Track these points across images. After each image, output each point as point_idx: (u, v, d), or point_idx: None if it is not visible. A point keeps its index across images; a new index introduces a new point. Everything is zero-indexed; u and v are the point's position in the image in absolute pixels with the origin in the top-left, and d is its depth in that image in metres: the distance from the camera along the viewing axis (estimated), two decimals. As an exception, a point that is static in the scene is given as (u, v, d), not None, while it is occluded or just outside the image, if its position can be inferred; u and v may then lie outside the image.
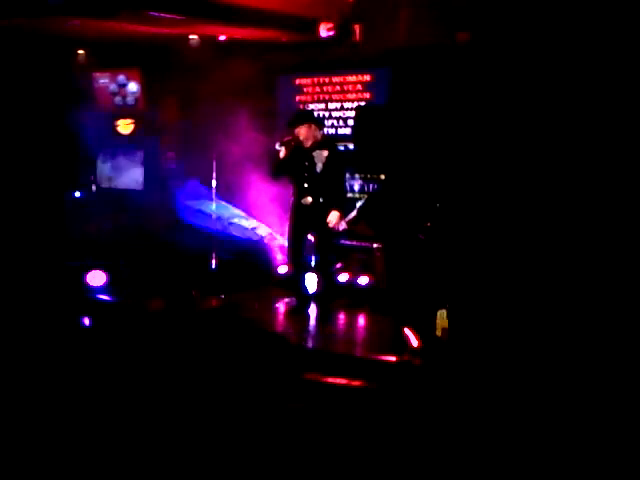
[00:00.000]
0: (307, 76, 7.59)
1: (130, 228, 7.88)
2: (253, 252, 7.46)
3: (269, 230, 7.43)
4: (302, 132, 5.86)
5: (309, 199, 5.87)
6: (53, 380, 3.87)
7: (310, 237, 6.07)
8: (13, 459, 3.07)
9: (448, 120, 6.15)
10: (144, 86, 8.69)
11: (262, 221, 7.55)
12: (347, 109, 7.30)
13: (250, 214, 7.67)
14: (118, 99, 8.88)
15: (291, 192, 6.09)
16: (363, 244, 6.81)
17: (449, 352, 4.87)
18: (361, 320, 6.25)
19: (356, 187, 7.16)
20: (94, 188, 9.23)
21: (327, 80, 7.46)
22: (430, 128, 6.23)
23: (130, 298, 6.44)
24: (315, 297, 6.17)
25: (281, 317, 6.30)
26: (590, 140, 5.29)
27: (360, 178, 7.17)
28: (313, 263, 6.28)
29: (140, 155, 9.11)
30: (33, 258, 6.80)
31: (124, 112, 8.95)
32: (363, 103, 7.17)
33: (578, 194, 5.30)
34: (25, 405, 3.55)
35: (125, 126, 9.06)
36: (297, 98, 7.67)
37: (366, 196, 7.11)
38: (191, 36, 7.59)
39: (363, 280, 6.63)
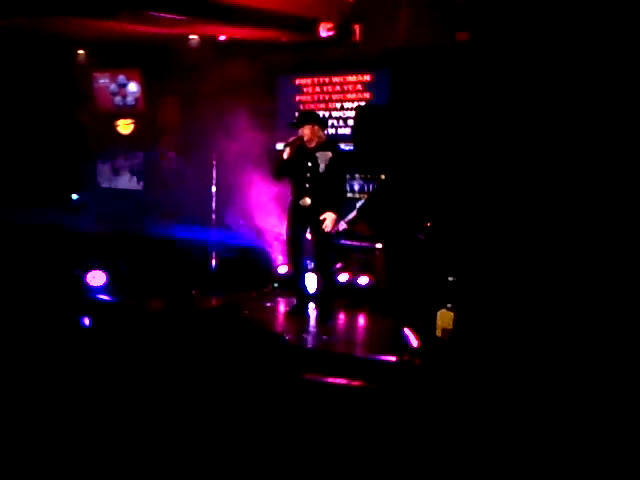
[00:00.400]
0: (307, 76, 7.59)
1: (130, 228, 7.87)
2: (253, 252, 7.46)
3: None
4: (306, 132, 5.85)
5: (308, 200, 5.86)
6: (53, 380, 3.87)
7: (308, 236, 6.06)
8: (13, 459, 3.07)
9: (448, 120, 6.15)
10: (144, 86, 8.69)
11: (262, 221, 7.55)
12: (347, 109, 7.30)
13: (250, 214, 7.66)
14: (118, 99, 8.88)
15: (289, 192, 6.08)
16: (363, 244, 6.81)
17: (450, 352, 4.87)
18: (361, 320, 6.25)
19: (356, 187, 7.16)
20: (94, 188, 9.24)
21: (327, 80, 7.46)
22: (430, 128, 6.24)
23: (130, 298, 6.44)
24: (315, 297, 6.17)
25: (281, 317, 6.30)
26: (590, 140, 5.29)
27: (360, 178, 7.17)
28: (312, 263, 6.27)
29: (140, 155, 9.11)
30: (33, 258, 6.79)
31: (124, 112, 8.95)
32: (363, 103, 7.16)
33: (578, 192, 5.30)
34: (25, 405, 3.55)
35: (125, 126, 9.07)
36: (297, 98, 7.67)
37: (366, 196, 7.11)
38: (191, 36, 7.59)
39: (363, 280, 6.62)
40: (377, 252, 6.68)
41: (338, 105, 7.39)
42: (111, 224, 7.98)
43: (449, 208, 6.11)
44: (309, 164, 5.83)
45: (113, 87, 8.85)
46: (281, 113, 7.77)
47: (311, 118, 6.06)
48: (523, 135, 5.63)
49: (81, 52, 8.47)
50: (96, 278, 6.66)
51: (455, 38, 6.22)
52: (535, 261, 5.36)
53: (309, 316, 6.05)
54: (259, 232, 7.44)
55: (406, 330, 5.03)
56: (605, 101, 5.22)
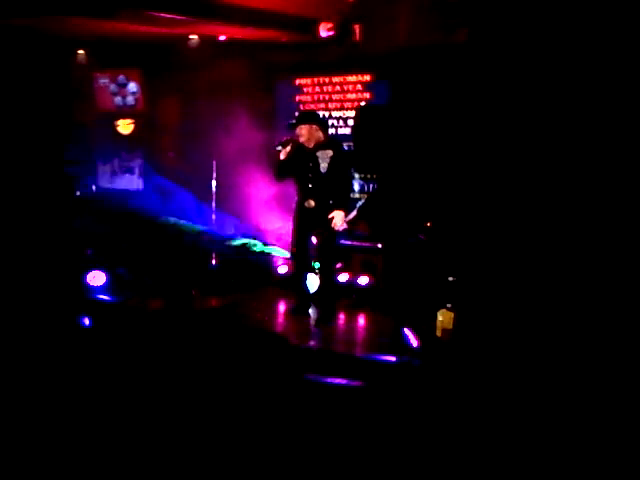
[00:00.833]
0: (307, 76, 7.59)
1: (130, 228, 7.88)
2: (253, 252, 7.46)
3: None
4: (303, 133, 5.83)
5: (312, 202, 5.84)
6: (53, 380, 3.87)
7: (313, 238, 6.04)
8: (13, 459, 3.07)
9: (448, 120, 6.15)
10: (144, 86, 8.69)
11: (262, 221, 7.55)
12: (347, 109, 7.30)
13: (250, 214, 7.66)
14: (118, 99, 8.88)
15: (295, 193, 6.07)
16: (363, 244, 6.81)
17: (450, 352, 4.87)
18: (361, 320, 6.25)
19: (356, 187, 7.16)
20: (94, 188, 9.24)
21: (327, 80, 7.46)
22: (430, 128, 6.24)
23: (130, 298, 6.44)
24: (316, 297, 6.16)
25: (281, 317, 6.31)
26: (591, 140, 5.29)
27: (360, 178, 7.17)
28: (316, 264, 6.25)
29: (140, 155, 9.11)
30: (33, 258, 6.79)
31: (124, 112, 8.96)
32: (363, 103, 7.17)
33: (578, 192, 5.30)
34: (25, 405, 3.55)
35: (125, 126, 9.07)
36: (297, 98, 7.68)
37: (366, 196, 7.11)
38: (191, 36, 7.59)
39: (363, 280, 6.62)
40: (377, 252, 6.68)
41: (338, 105, 7.40)
42: (111, 224, 7.99)
43: (449, 208, 6.10)
44: (310, 165, 5.81)
45: (113, 87, 8.86)
46: (281, 113, 7.77)
47: (307, 118, 6.04)
48: (523, 135, 5.62)
49: (81, 52, 8.47)
50: (96, 278, 6.67)
51: (455, 38, 6.22)
52: (535, 261, 5.36)
53: (310, 316, 6.05)
54: (259, 232, 7.45)
55: (406, 330, 5.03)
56: (605, 101, 5.22)
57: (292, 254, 6.16)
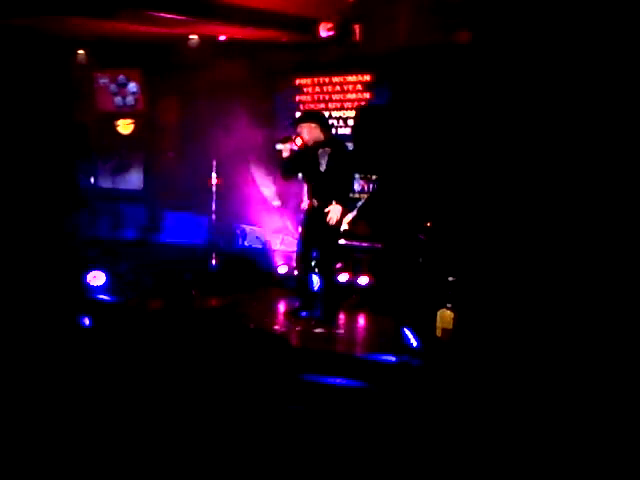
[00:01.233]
0: (307, 76, 7.59)
1: (130, 228, 7.88)
2: (253, 252, 7.47)
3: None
4: (304, 131, 5.84)
5: (315, 201, 5.84)
6: (53, 380, 3.87)
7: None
8: (13, 459, 3.07)
9: (448, 120, 6.15)
10: (144, 86, 8.69)
11: (262, 221, 7.55)
12: (347, 109, 7.30)
13: (250, 214, 7.67)
14: (118, 99, 8.88)
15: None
16: (363, 244, 6.80)
17: (450, 352, 4.87)
18: (361, 320, 6.25)
19: (356, 187, 7.16)
20: (94, 188, 9.23)
21: (327, 80, 7.46)
22: (430, 128, 6.23)
23: (130, 298, 6.44)
24: (318, 298, 6.14)
25: (281, 317, 6.30)
26: (591, 140, 5.29)
27: (360, 178, 7.17)
28: (315, 263, 6.24)
29: (140, 155, 9.11)
30: (33, 258, 6.80)
31: (124, 112, 8.96)
32: (363, 103, 7.17)
33: (578, 192, 5.30)
34: (25, 404, 3.55)
35: (125, 126, 9.07)
36: (297, 98, 7.67)
37: (366, 196, 7.11)
38: (191, 36, 7.59)
39: (363, 280, 6.62)
40: (377, 252, 6.68)
41: (338, 105, 7.39)
42: (111, 224, 7.99)
43: (449, 208, 6.10)
44: (310, 164, 5.82)
45: (113, 87, 8.86)
46: (281, 113, 7.77)
47: (307, 117, 6.04)
48: (523, 134, 5.62)
49: (81, 52, 8.47)
50: (96, 278, 6.67)
51: (455, 38, 6.22)
52: (535, 261, 5.36)
53: (310, 316, 6.03)
54: (259, 232, 7.45)
55: (406, 330, 5.03)
56: (605, 100, 5.22)
57: (297, 253, 6.13)
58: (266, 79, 7.77)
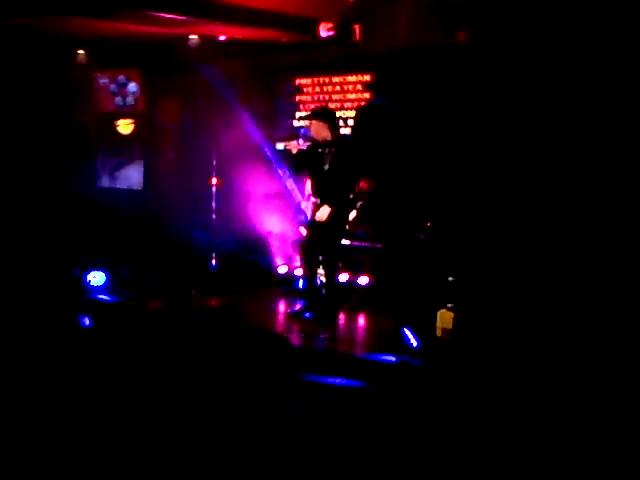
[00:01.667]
0: (307, 76, 7.58)
1: (130, 228, 7.88)
2: (253, 252, 7.46)
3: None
4: (311, 128, 5.83)
5: (317, 200, 5.84)
6: (53, 380, 3.87)
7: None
8: (13, 459, 3.07)
9: (448, 120, 6.15)
10: (144, 86, 8.69)
11: (262, 221, 7.55)
12: (347, 109, 7.30)
13: (250, 214, 7.66)
14: (118, 99, 8.88)
15: None
16: (363, 244, 6.80)
17: (450, 352, 4.87)
18: (361, 320, 6.25)
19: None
20: (94, 188, 9.24)
21: (327, 80, 7.46)
22: (430, 128, 6.23)
23: (130, 298, 6.44)
24: (319, 298, 6.13)
25: (281, 317, 6.30)
26: (591, 140, 5.29)
27: (360, 178, 7.15)
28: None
29: (140, 155, 9.11)
30: (33, 258, 6.80)
31: (124, 112, 8.96)
32: (363, 103, 7.16)
33: (578, 192, 5.30)
34: (25, 404, 3.55)
35: (125, 126, 9.07)
36: (297, 98, 7.67)
37: (366, 196, 7.10)
38: (191, 36, 7.59)
39: (363, 280, 6.62)
40: (377, 252, 6.67)
41: (338, 105, 7.39)
42: (111, 224, 7.99)
43: (449, 208, 6.10)
44: (316, 162, 5.81)
45: (113, 87, 8.85)
46: (281, 113, 7.77)
47: (314, 114, 6.03)
48: (523, 134, 5.62)
49: (81, 52, 8.47)
50: (96, 278, 6.67)
51: (455, 38, 6.22)
52: (535, 261, 5.36)
53: (311, 317, 6.03)
54: (259, 232, 7.45)
55: (406, 330, 5.03)
56: (606, 100, 5.22)
57: (301, 254, 6.11)
58: (266, 79, 7.77)
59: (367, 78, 7.18)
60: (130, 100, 8.83)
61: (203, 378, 3.75)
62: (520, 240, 5.48)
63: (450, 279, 5.38)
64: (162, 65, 8.09)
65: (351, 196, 6.15)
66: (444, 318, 5.09)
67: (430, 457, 3.29)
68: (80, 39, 7.90)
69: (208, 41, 7.57)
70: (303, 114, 7.53)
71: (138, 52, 8.13)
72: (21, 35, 7.50)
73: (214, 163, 7.72)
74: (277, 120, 7.79)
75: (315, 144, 5.86)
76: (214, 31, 7.31)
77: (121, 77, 8.79)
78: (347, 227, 6.17)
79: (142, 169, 9.09)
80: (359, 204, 6.40)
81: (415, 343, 4.91)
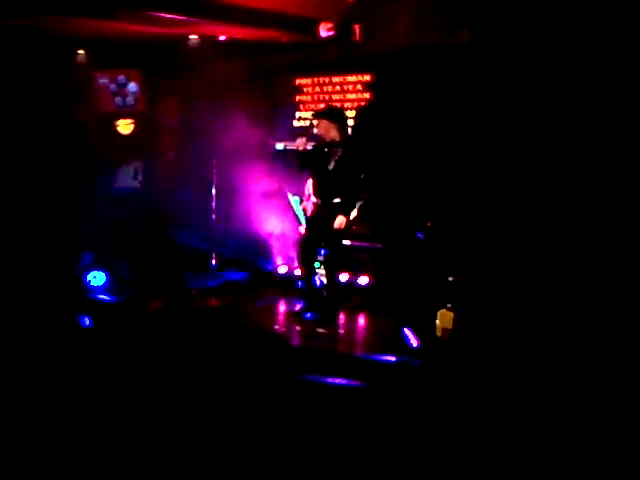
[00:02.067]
0: (307, 76, 7.58)
1: (130, 228, 7.88)
2: (253, 252, 7.46)
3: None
4: (319, 126, 5.81)
5: (318, 199, 5.82)
6: (53, 380, 3.87)
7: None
8: (13, 459, 3.07)
9: (448, 120, 6.15)
10: (144, 86, 8.69)
11: (262, 221, 7.54)
12: (347, 109, 7.29)
13: (250, 214, 7.66)
14: (118, 99, 8.88)
15: None
16: (363, 244, 6.80)
17: (450, 352, 4.87)
18: (361, 320, 6.25)
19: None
20: (94, 188, 9.23)
21: (327, 80, 7.46)
22: (430, 128, 6.23)
23: (130, 298, 6.44)
24: (320, 298, 6.13)
25: (281, 317, 6.30)
26: (591, 140, 5.29)
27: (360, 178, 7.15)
28: (320, 263, 6.22)
29: (140, 155, 9.11)
30: (33, 258, 6.80)
31: (124, 112, 8.96)
32: (363, 103, 7.16)
33: (578, 191, 5.30)
34: (25, 404, 3.55)
35: (125, 126, 9.06)
36: (297, 98, 7.67)
37: (366, 196, 7.10)
38: (191, 36, 7.59)
39: (363, 280, 6.62)
40: (377, 252, 6.67)
41: (338, 105, 7.38)
42: (111, 224, 7.98)
43: (449, 208, 6.10)
44: (320, 161, 5.78)
45: (113, 87, 8.85)
46: (281, 113, 7.77)
47: (322, 113, 5.99)
48: (523, 134, 5.62)
49: (81, 52, 8.47)
50: (96, 278, 6.67)
51: (455, 38, 6.22)
52: (535, 261, 5.36)
53: (311, 317, 6.03)
54: (259, 232, 7.45)
55: (406, 330, 5.03)
56: (605, 100, 5.22)
57: (300, 254, 6.08)
58: (266, 79, 7.77)
59: (367, 78, 7.18)
60: (130, 100, 8.83)
61: (203, 378, 3.75)
62: (519, 240, 5.48)
63: (450, 279, 5.38)
64: (162, 65, 8.08)
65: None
66: (444, 318, 5.09)
67: (430, 457, 3.29)
68: (80, 39, 7.90)
69: (208, 41, 7.57)
70: (303, 114, 7.54)
71: (138, 52, 8.13)
72: (21, 35, 7.50)
73: (214, 163, 7.71)
74: (277, 120, 7.78)
75: (319, 143, 5.82)
76: (214, 31, 7.31)
77: (121, 77, 8.79)
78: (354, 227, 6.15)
79: (142, 169, 9.09)
80: (359, 204, 6.40)
81: (415, 343, 4.91)
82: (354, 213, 5.97)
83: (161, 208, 8.21)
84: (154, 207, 8.31)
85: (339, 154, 5.74)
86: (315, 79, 7.54)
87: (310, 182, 6.10)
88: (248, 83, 7.53)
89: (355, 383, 4.26)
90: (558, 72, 5.46)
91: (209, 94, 7.72)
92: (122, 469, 3.05)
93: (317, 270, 6.20)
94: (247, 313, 6.12)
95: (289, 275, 7.02)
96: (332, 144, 5.76)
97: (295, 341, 5.40)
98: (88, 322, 5.63)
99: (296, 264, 6.56)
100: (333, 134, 5.78)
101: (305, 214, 6.20)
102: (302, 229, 6.43)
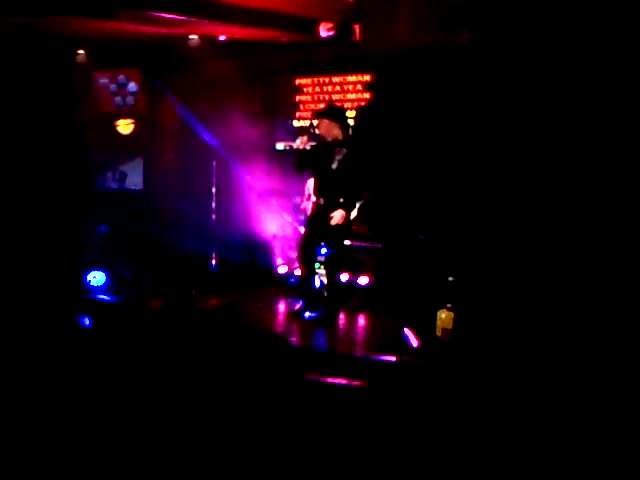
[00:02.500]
0: (307, 76, 7.58)
1: (130, 228, 7.88)
2: (253, 252, 7.46)
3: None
4: (321, 125, 5.78)
5: (321, 199, 5.80)
6: (53, 380, 3.87)
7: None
8: (13, 459, 3.07)
9: (448, 120, 6.15)
10: (144, 86, 8.69)
11: (262, 221, 7.54)
12: (347, 109, 7.29)
13: (250, 214, 7.66)
14: (118, 99, 8.88)
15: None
16: (363, 244, 6.80)
17: (450, 352, 4.87)
18: (361, 320, 6.25)
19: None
20: (94, 188, 9.24)
21: (327, 80, 7.46)
22: (430, 128, 6.24)
23: (130, 298, 6.44)
24: (320, 298, 6.12)
25: (281, 317, 6.30)
26: (591, 141, 5.29)
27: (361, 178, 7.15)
28: (320, 263, 6.21)
29: (140, 155, 9.11)
30: (33, 258, 6.80)
31: (124, 112, 8.96)
32: (363, 103, 7.16)
33: (577, 191, 5.30)
34: (25, 404, 3.55)
35: (125, 126, 9.07)
36: (297, 98, 7.67)
37: (366, 196, 7.10)
38: (191, 36, 7.60)
39: (363, 280, 6.62)
40: (377, 252, 6.67)
41: (338, 105, 7.38)
42: (111, 224, 7.99)
43: (449, 208, 6.10)
44: (323, 160, 5.75)
45: (113, 87, 8.86)
46: (281, 113, 7.77)
47: (324, 113, 5.94)
48: (523, 134, 5.63)
49: (81, 52, 8.47)
50: (96, 278, 6.67)
51: (455, 38, 6.22)
52: (535, 261, 5.36)
53: (311, 317, 6.02)
54: (259, 232, 7.45)
55: (406, 330, 5.03)
56: (605, 100, 5.22)
57: (300, 253, 6.06)
58: (266, 79, 7.77)
59: (367, 78, 7.18)
60: (130, 100, 8.84)
61: (203, 378, 3.75)
62: (519, 240, 5.49)
63: (450, 279, 5.38)
64: (162, 65, 8.08)
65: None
66: (444, 318, 5.09)
67: (430, 456, 3.29)
68: (80, 39, 7.91)
69: (208, 41, 7.57)
70: (303, 114, 7.54)
71: (138, 52, 8.13)
72: (21, 35, 7.50)
73: (214, 163, 7.71)
74: (277, 120, 7.78)
75: (321, 143, 5.80)
76: (214, 31, 7.31)
77: (121, 77, 8.80)
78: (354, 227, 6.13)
79: (141, 169, 9.09)
80: (359, 204, 6.40)
81: (415, 343, 4.91)
82: (354, 213, 5.96)
83: (161, 208, 8.22)
84: (154, 207, 8.32)
85: (343, 153, 5.70)
86: (315, 79, 7.54)
87: (310, 182, 6.08)
88: (248, 83, 7.52)
89: (355, 383, 4.26)
90: (558, 72, 5.46)
91: (209, 94, 7.72)
92: (123, 469, 3.05)
93: (317, 270, 6.19)
94: (247, 313, 6.12)
95: (289, 275, 7.02)
96: (334, 144, 5.74)
97: (295, 341, 5.39)
98: (88, 322, 5.63)
99: (296, 264, 6.56)
100: (335, 133, 5.75)
101: (305, 214, 6.20)
102: (302, 229, 6.41)
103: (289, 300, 6.54)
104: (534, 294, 5.14)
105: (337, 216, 5.65)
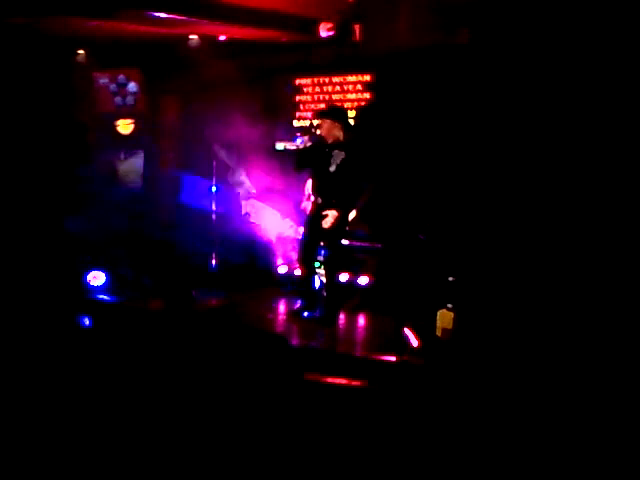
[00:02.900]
0: (307, 76, 7.58)
1: (130, 228, 7.88)
2: (253, 252, 7.46)
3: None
4: (322, 126, 5.76)
5: (318, 199, 5.80)
6: (53, 380, 3.87)
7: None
8: (13, 459, 3.07)
9: (448, 120, 6.15)
10: (144, 86, 8.69)
11: (262, 221, 7.54)
12: (347, 109, 7.29)
13: (250, 214, 7.67)
14: (118, 99, 8.88)
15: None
16: (363, 244, 6.80)
17: (450, 352, 4.87)
18: (361, 320, 6.25)
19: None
20: (93, 188, 9.23)
21: (327, 80, 7.46)
22: (430, 128, 6.24)
23: (130, 298, 6.44)
24: (320, 298, 6.12)
25: (281, 317, 6.30)
26: (590, 141, 5.29)
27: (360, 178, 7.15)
28: (319, 263, 6.21)
29: (140, 155, 9.11)
30: (33, 259, 6.80)
31: (124, 112, 8.96)
32: (363, 103, 7.16)
33: (577, 191, 5.30)
34: (25, 405, 3.55)
35: (125, 126, 9.06)
36: (297, 98, 7.67)
37: (366, 196, 7.10)
38: (191, 36, 7.60)
39: (363, 280, 6.62)
40: (377, 252, 6.67)
41: (338, 105, 7.38)
42: (111, 224, 7.98)
43: (449, 208, 6.10)
44: (322, 161, 5.74)
45: (113, 87, 8.85)
46: (281, 113, 7.77)
47: (325, 113, 5.91)
48: (523, 134, 5.63)
49: (81, 52, 8.47)
50: (96, 278, 6.67)
51: (455, 38, 6.22)
52: (535, 261, 5.36)
53: (311, 317, 6.02)
54: (259, 232, 7.45)
55: (406, 330, 5.03)
56: (605, 100, 5.22)
57: (299, 253, 6.06)
58: (266, 79, 7.77)
59: (367, 78, 7.18)
60: (130, 100, 8.83)
61: (203, 378, 3.75)
62: (519, 240, 5.49)
63: (450, 279, 5.38)
64: (162, 65, 8.08)
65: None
66: (444, 318, 5.09)
67: (430, 456, 3.29)
68: (80, 39, 7.90)
69: (208, 41, 7.57)
70: (303, 114, 7.54)
71: (138, 52, 8.13)
72: (21, 35, 7.50)
73: (214, 163, 7.71)
74: (277, 120, 7.78)
75: (321, 143, 5.78)
76: (214, 31, 7.31)
77: (121, 77, 8.79)
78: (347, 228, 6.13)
79: (141, 169, 9.09)
80: (358, 205, 6.40)
81: (415, 343, 4.91)
82: (353, 213, 5.96)
83: (161, 208, 8.23)
84: (154, 207, 8.32)
85: (341, 157, 5.67)
86: (315, 79, 7.54)
87: (310, 182, 6.08)
88: (248, 83, 7.52)
89: (355, 383, 4.26)
90: (558, 72, 5.46)
91: (209, 94, 7.72)
92: (123, 469, 3.06)
93: (317, 270, 6.19)
94: (247, 313, 6.11)
95: (289, 275, 7.02)
96: (334, 145, 5.73)
97: (295, 341, 5.39)
98: (88, 322, 5.63)
99: (296, 264, 6.56)
100: (337, 134, 5.73)
101: (305, 214, 6.19)
102: (301, 228, 6.41)
103: (289, 300, 6.54)
104: (534, 294, 5.14)
105: (329, 218, 5.64)
